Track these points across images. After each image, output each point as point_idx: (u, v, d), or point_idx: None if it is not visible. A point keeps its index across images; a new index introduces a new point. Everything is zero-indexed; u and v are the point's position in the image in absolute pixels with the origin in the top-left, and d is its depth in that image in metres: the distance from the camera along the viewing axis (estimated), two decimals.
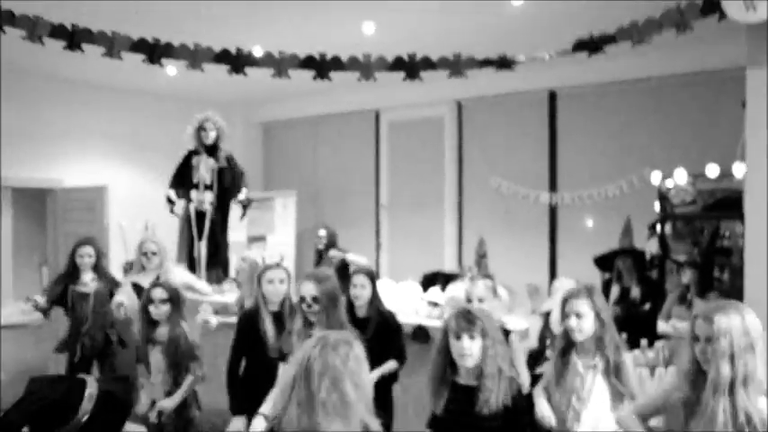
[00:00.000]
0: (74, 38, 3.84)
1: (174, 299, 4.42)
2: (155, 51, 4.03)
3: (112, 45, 3.90)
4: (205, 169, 6.57)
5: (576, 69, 6.92)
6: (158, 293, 4.41)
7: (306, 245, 8.73)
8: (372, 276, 4.31)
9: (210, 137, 6.50)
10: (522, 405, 3.00)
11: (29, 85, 7.50)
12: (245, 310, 4.38)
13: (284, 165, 9.53)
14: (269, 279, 4.02)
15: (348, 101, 8.66)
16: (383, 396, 4.00)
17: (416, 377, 4.23)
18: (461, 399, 2.95)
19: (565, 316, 3.35)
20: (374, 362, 3.97)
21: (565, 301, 3.40)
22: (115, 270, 6.67)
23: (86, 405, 2.20)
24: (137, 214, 7.80)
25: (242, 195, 6.69)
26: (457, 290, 4.93)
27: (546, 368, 3.55)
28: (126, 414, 3.57)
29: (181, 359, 4.26)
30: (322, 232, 7.17)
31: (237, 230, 8.22)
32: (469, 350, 2.91)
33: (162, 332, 4.35)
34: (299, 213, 8.51)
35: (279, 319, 4.00)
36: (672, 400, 2.67)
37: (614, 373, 3.25)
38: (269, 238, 8.45)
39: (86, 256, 5.57)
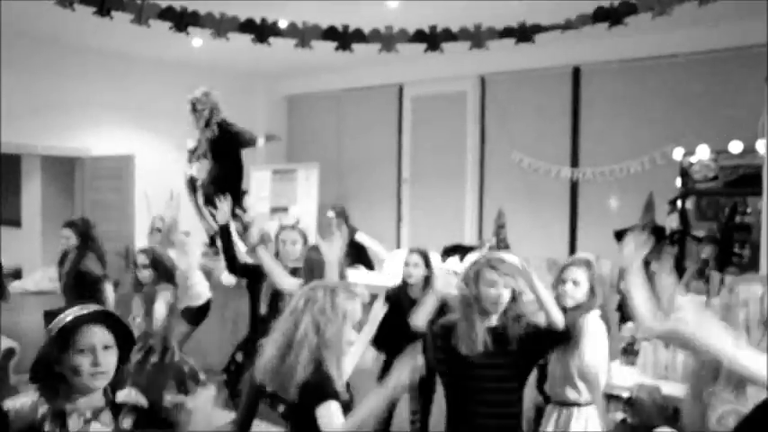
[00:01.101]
0: (104, 4, 3.92)
1: (157, 264, 4.59)
2: (182, 19, 4.12)
3: (141, 12, 3.98)
4: (202, 139, 6.80)
5: (600, 45, 6.89)
6: (141, 259, 4.64)
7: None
8: (426, 256, 4.32)
9: (204, 115, 6.70)
10: (537, 328, 3.17)
11: (58, 55, 7.63)
12: None
13: (307, 137, 9.60)
14: (282, 240, 4.24)
15: (372, 75, 8.68)
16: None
17: None
18: (489, 340, 3.07)
19: (561, 282, 3.47)
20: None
21: (564, 268, 3.51)
22: (142, 237, 6.85)
23: None
24: (162, 183, 7.93)
25: (260, 141, 7.02)
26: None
27: None
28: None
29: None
30: (330, 213, 7.13)
31: (261, 201, 8.35)
32: (501, 297, 3.07)
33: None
34: (321, 186, 8.60)
35: (296, 274, 4.20)
36: None
37: None
38: (291, 209, 8.55)
39: (63, 238, 5.68)
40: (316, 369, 2.41)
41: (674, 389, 3.85)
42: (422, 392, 4.25)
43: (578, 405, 3.36)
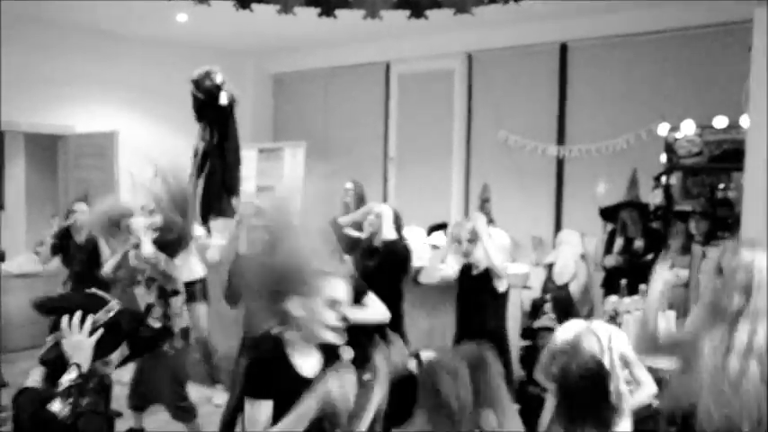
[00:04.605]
0: None
1: None
2: None
3: None
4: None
5: (587, 22, 6.89)
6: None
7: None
8: None
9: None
10: None
11: (41, 31, 7.53)
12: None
13: (294, 116, 9.54)
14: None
15: (359, 53, 8.64)
16: None
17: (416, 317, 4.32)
18: None
19: None
20: None
21: None
22: None
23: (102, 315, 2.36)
24: (147, 161, 7.86)
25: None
26: None
27: None
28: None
29: None
30: (349, 185, 7.05)
31: (247, 181, 8.29)
32: None
33: None
34: (307, 165, 8.55)
35: None
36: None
37: None
38: (278, 188, 8.50)
39: (80, 212, 5.63)
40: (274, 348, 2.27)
41: (656, 362, 3.86)
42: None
43: None
